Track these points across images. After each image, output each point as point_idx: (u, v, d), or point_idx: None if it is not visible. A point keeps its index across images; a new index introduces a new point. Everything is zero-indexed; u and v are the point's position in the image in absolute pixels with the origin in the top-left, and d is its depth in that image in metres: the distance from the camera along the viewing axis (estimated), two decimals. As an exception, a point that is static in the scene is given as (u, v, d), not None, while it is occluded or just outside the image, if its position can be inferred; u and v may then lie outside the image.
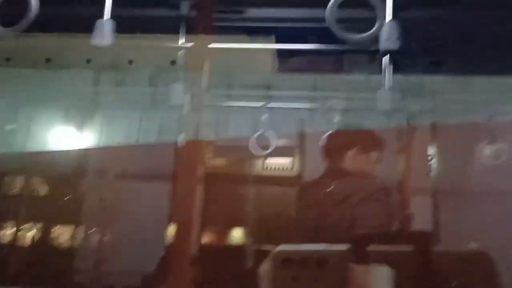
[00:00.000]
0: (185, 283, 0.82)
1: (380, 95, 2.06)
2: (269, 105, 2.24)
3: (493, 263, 0.65)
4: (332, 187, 1.86)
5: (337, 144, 2.02)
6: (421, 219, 2.38)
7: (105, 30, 1.61)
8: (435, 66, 2.39)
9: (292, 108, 2.46)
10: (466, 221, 2.47)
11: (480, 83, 2.44)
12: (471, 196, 2.51)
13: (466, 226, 2.46)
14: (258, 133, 2.21)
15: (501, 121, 2.23)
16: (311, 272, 0.71)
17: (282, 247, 0.78)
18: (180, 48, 1.80)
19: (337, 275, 0.70)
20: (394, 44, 1.55)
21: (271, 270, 0.76)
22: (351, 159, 1.95)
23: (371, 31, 1.45)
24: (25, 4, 1.42)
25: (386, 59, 1.91)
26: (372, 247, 0.72)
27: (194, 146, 0.88)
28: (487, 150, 2.11)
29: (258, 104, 2.27)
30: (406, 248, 0.70)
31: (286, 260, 0.73)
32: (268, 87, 2.66)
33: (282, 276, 0.73)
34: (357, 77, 2.50)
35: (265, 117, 2.20)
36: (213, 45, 1.42)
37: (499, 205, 2.44)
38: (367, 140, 2.00)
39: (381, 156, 2.00)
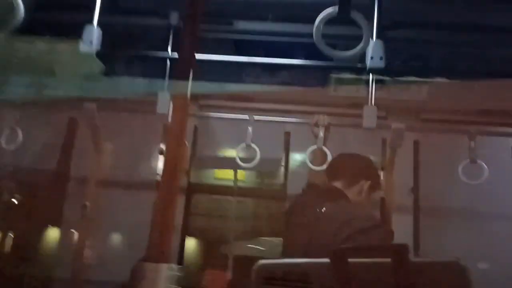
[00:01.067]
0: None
1: (366, 111, 2.09)
2: (255, 118, 2.24)
3: (466, 272, 0.68)
4: (328, 209, 1.82)
5: (339, 168, 1.99)
6: (402, 235, 2.39)
7: (93, 38, 1.62)
8: (419, 85, 2.44)
9: (278, 121, 2.47)
10: (447, 239, 2.50)
11: (463, 102, 2.49)
12: (452, 214, 2.54)
13: (447, 244, 2.48)
14: (242, 145, 2.21)
15: (482, 141, 2.27)
16: (294, 286, 0.70)
17: (264, 261, 0.77)
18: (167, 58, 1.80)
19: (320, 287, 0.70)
20: (379, 63, 1.58)
21: (253, 285, 0.74)
22: (351, 185, 1.93)
23: (356, 49, 1.48)
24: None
25: (371, 77, 1.93)
26: (352, 260, 0.72)
27: (175, 155, 0.88)
28: (468, 169, 2.14)
29: (244, 116, 2.27)
30: (385, 260, 0.71)
31: (267, 275, 0.72)
32: (254, 100, 2.68)
33: None
34: (343, 93, 2.53)
35: (251, 129, 2.19)
36: (199, 56, 1.42)
37: (480, 224, 2.47)
38: (371, 172, 1.99)
39: (379, 188, 2.00)
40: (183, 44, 0.88)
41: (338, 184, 1.93)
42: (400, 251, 0.66)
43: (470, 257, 2.33)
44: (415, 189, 2.56)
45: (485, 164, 2.16)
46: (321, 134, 2.15)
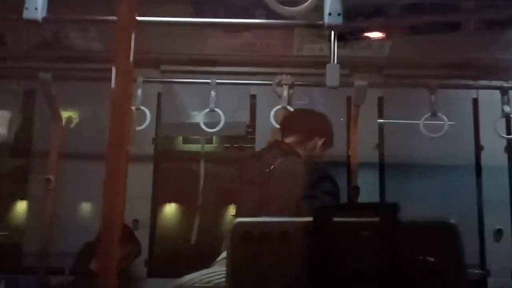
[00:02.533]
0: (113, 260, 0.79)
1: (328, 69, 2.08)
2: (218, 81, 2.20)
3: (456, 231, 0.64)
4: (278, 164, 1.83)
5: (292, 124, 1.99)
6: (367, 191, 2.45)
7: (37, 4, 1.52)
8: (382, 41, 2.43)
9: (242, 84, 2.44)
10: (411, 193, 2.57)
11: (425, 57, 2.51)
12: (415, 168, 2.60)
13: (411, 197, 2.55)
14: (207, 110, 2.17)
15: (444, 94, 2.31)
16: (272, 246, 0.67)
17: (241, 220, 0.72)
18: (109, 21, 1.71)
19: (300, 249, 0.66)
20: (337, 19, 1.55)
21: (230, 244, 0.70)
22: (305, 142, 1.93)
23: (304, 5, 1.44)
24: None
25: (333, 34, 1.91)
26: (337, 219, 0.68)
27: (120, 122, 0.84)
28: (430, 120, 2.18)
29: (207, 80, 2.22)
30: (372, 219, 0.67)
31: (245, 234, 0.68)
32: (217, 63, 2.62)
33: (242, 250, 0.68)
34: (307, 53, 2.50)
35: (214, 93, 2.15)
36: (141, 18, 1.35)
37: (440, 177, 2.54)
38: (326, 129, 1.98)
39: (330, 146, 2.01)
40: (121, 4, 0.83)
41: (292, 139, 1.93)
42: (389, 210, 0.62)
43: (432, 208, 2.42)
44: (379, 145, 2.60)
45: (447, 117, 2.20)
46: (285, 93, 2.14)
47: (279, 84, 2.18)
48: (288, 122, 2.03)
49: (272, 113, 2.21)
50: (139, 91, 2.19)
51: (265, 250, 0.63)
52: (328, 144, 1.97)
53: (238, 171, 2.01)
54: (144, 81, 2.22)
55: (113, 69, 0.80)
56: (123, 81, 0.83)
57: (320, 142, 1.92)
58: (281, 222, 0.68)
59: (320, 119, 2.02)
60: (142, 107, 2.17)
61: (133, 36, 0.83)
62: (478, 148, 2.58)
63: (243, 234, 0.64)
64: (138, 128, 2.16)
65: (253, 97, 2.69)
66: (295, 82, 2.26)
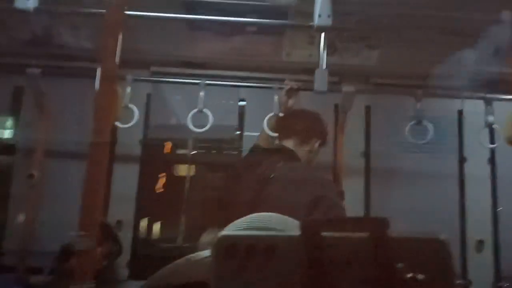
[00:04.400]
0: (93, 259, 0.78)
1: (317, 75, 2.10)
2: (207, 82, 2.20)
3: (447, 248, 0.61)
4: (278, 171, 1.78)
5: (289, 126, 1.95)
6: (352, 197, 2.46)
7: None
8: (370, 50, 2.47)
9: (231, 85, 2.45)
10: (395, 201, 2.58)
11: (412, 67, 2.55)
12: (401, 175, 2.62)
13: (395, 206, 2.57)
14: (195, 110, 2.18)
15: (429, 104, 2.34)
16: (258, 261, 0.62)
17: (226, 233, 0.68)
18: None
19: (287, 264, 0.62)
20: (326, 21, 1.58)
21: (214, 258, 0.65)
22: (304, 144, 1.89)
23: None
24: None
25: (322, 39, 1.94)
26: (326, 234, 0.65)
27: (103, 122, 0.84)
28: (414, 130, 2.21)
29: (196, 80, 2.23)
30: (361, 234, 0.64)
31: (230, 247, 0.63)
32: (207, 67, 2.64)
33: (227, 264, 0.63)
34: (296, 58, 2.53)
35: (203, 94, 2.16)
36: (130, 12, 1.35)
37: (424, 186, 2.57)
38: (322, 129, 1.95)
39: (325, 145, 1.98)
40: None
41: (290, 142, 1.90)
42: (378, 225, 0.59)
43: (415, 217, 2.44)
44: (366, 153, 2.62)
45: (432, 125, 2.23)
46: (290, 102, 2.11)
47: (290, 95, 2.11)
48: (285, 125, 1.97)
49: (265, 120, 2.20)
50: (128, 89, 2.19)
51: (251, 265, 0.59)
52: (324, 144, 1.93)
53: (230, 175, 1.95)
54: (134, 80, 2.23)
55: (99, 69, 0.80)
56: (108, 80, 0.83)
57: (317, 143, 1.89)
58: (268, 236, 0.65)
59: (316, 119, 1.98)
60: (130, 105, 2.17)
61: (120, 34, 0.83)
62: (462, 159, 2.61)
63: (227, 247, 0.60)
64: (125, 126, 2.15)
65: (241, 100, 2.71)
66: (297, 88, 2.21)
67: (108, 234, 2.20)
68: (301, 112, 2.05)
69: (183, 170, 2.71)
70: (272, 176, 1.77)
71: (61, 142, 2.50)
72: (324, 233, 0.63)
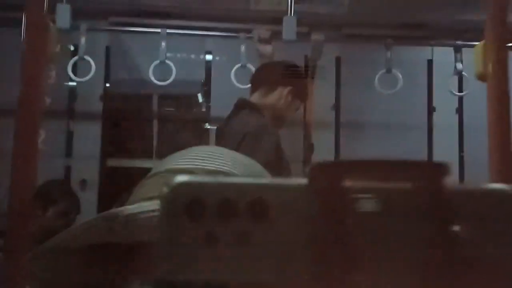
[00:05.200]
0: (25, 221, 0.70)
1: (285, 22, 2.01)
2: (169, 31, 2.08)
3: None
4: (228, 124, 1.73)
5: (255, 78, 1.86)
6: (323, 150, 2.44)
7: None
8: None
9: (195, 34, 2.32)
10: (364, 153, 2.58)
11: (383, 17, 2.49)
12: (370, 129, 2.61)
13: (366, 157, 2.57)
14: (157, 62, 2.06)
15: (399, 53, 2.30)
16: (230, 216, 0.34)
17: (185, 180, 0.37)
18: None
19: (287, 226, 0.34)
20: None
21: (165, 213, 0.40)
22: (269, 93, 1.79)
23: None
24: None
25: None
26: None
27: (33, 77, 0.75)
28: (384, 79, 2.17)
29: (157, 30, 2.10)
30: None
31: (195, 201, 0.34)
32: (170, 16, 2.49)
33: (185, 228, 0.34)
34: (265, 7, 2.41)
35: (165, 44, 2.04)
36: None
37: (395, 134, 2.57)
38: (292, 78, 1.83)
39: (302, 94, 1.89)
40: None
41: (257, 94, 1.83)
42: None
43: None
44: (336, 105, 2.59)
45: (402, 78, 2.20)
46: (269, 49, 2.00)
47: (264, 41, 2.01)
48: (253, 78, 1.90)
49: (232, 72, 2.11)
50: (83, 40, 2.04)
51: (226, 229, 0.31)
52: (298, 92, 1.81)
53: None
54: (88, 30, 2.08)
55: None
56: (35, 30, 0.73)
57: (285, 91, 1.78)
58: (252, 184, 0.35)
59: (284, 67, 1.87)
60: (86, 57, 2.03)
61: None
62: (431, 109, 2.62)
63: (188, 202, 0.32)
64: (82, 80, 2.02)
65: (208, 52, 2.59)
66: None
67: (62, 192, 2.10)
68: (272, 63, 1.96)
69: (149, 126, 2.61)
70: (216, 129, 1.75)
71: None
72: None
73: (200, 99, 2.67)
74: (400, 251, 0.34)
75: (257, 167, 0.54)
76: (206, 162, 0.50)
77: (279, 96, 1.77)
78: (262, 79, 1.82)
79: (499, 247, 0.36)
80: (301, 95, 1.85)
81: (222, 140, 1.72)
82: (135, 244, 0.43)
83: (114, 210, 0.46)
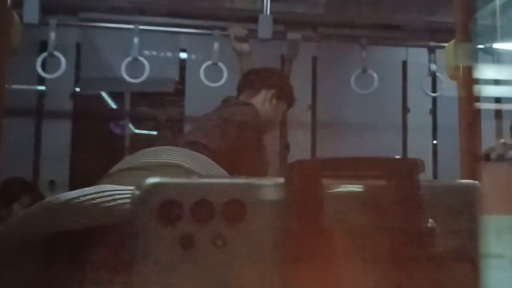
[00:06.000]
0: None
1: (261, 20, 1.99)
2: (142, 27, 2.02)
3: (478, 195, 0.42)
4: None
5: (241, 82, 1.84)
6: (300, 150, 2.43)
7: None
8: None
9: (168, 31, 2.27)
10: (341, 152, 2.58)
11: (358, 18, 2.49)
12: (347, 126, 2.62)
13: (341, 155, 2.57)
14: (129, 59, 2.00)
15: (374, 57, 2.31)
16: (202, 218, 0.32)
17: (155, 181, 0.34)
18: None
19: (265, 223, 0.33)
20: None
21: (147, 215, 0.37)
22: (253, 96, 1.78)
23: None
24: None
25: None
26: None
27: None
28: (360, 79, 2.17)
29: (130, 26, 2.04)
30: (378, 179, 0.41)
31: (165, 204, 0.32)
32: (144, 13, 2.44)
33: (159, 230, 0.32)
34: (238, 5, 2.39)
35: (137, 40, 1.98)
36: None
37: (370, 134, 2.58)
38: (276, 81, 1.84)
39: (287, 97, 1.87)
40: None
41: (242, 97, 1.81)
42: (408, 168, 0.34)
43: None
44: (313, 105, 2.58)
45: (377, 75, 2.20)
46: (245, 47, 1.96)
47: (239, 39, 1.98)
48: (238, 83, 1.90)
49: (201, 69, 2.08)
50: (52, 35, 1.97)
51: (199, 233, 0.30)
52: (282, 95, 1.81)
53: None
54: (58, 25, 2.00)
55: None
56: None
57: (269, 94, 1.78)
58: (225, 184, 0.32)
59: (270, 72, 1.90)
60: (56, 53, 1.96)
61: None
62: (405, 109, 2.64)
63: (161, 203, 0.29)
64: (51, 76, 1.95)
65: (182, 50, 2.54)
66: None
67: (24, 187, 2.06)
68: (259, 68, 1.94)
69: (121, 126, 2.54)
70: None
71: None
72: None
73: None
74: (376, 245, 0.35)
75: (210, 162, 0.51)
76: (155, 158, 0.48)
77: (263, 98, 1.77)
78: (246, 83, 1.82)
79: (464, 239, 0.40)
80: (286, 97, 1.84)
81: (205, 127, 1.66)
82: (79, 230, 0.40)
83: (53, 196, 0.42)
